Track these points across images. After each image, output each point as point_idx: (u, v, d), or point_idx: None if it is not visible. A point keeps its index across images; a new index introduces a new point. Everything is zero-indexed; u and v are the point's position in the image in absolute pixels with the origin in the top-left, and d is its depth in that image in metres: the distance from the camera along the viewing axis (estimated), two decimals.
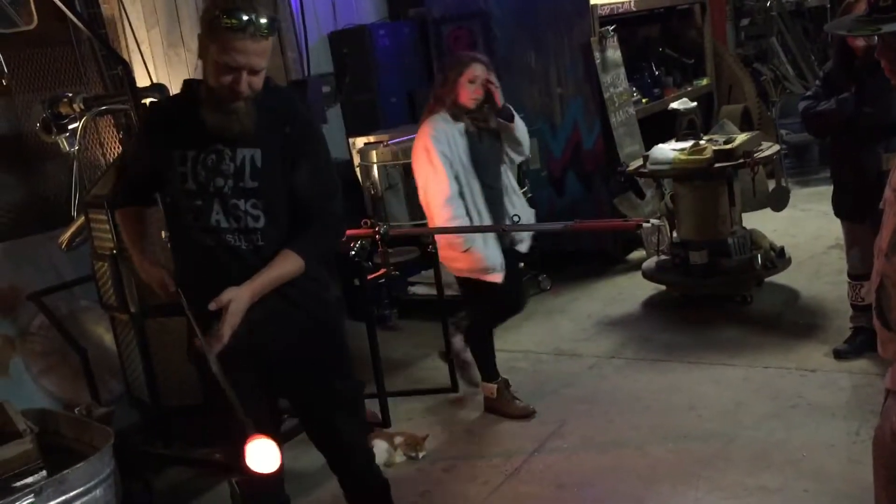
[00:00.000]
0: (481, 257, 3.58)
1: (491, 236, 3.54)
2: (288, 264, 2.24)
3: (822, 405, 3.64)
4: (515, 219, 3.67)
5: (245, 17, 2.05)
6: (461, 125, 3.64)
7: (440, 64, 6.25)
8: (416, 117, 6.28)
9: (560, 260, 5.78)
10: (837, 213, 3.99)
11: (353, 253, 3.19)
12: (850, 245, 3.98)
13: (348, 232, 3.42)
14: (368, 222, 3.61)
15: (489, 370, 3.94)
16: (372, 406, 3.74)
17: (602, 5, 5.91)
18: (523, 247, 3.85)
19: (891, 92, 3.75)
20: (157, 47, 4.91)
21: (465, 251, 3.58)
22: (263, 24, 2.09)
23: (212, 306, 2.12)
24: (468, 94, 3.60)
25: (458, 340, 4.08)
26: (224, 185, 2.23)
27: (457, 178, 3.57)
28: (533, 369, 4.50)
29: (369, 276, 3.35)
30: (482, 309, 3.86)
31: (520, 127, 3.75)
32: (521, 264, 4.43)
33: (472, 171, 3.62)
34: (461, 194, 3.57)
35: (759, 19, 8.41)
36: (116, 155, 4.12)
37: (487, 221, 3.59)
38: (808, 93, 4.02)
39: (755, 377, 4.00)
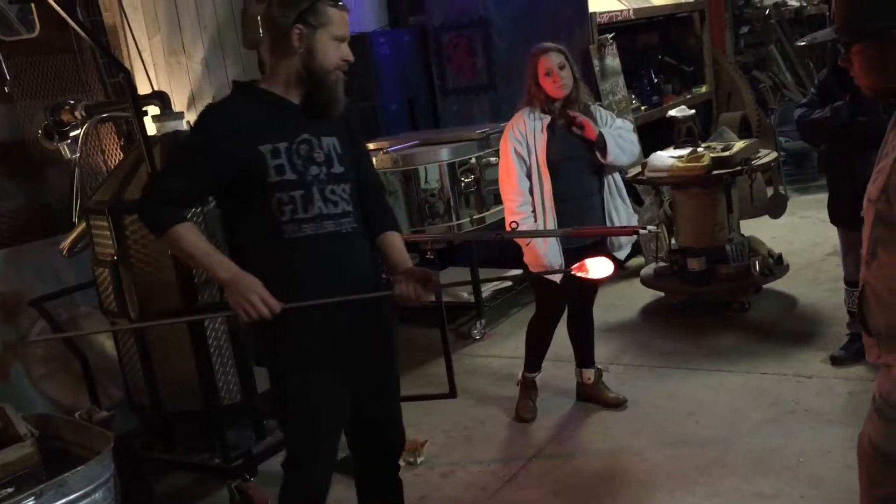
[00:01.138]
0: (539, 254, 3.63)
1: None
2: (403, 245, 2.52)
3: (819, 412, 3.66)
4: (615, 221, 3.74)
5: None
6: (547, 118, 3.66)
7: (440, 71, 6.30)
8: (417, 125, 6.36)
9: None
10: (833, 220, 4.01)
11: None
12: (845, 252, 4.00)
13: None
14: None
15: (530, 362, 4.05)
16: None
17: (601, 13, 5.95)
18: (621, 253, 3.85)
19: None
20: (158, 55, 4.94)
21: (526, 245, 3.67)
22: None
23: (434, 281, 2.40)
24: (550, 87, 3.61)
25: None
26: (319, 173, 2.34)
27: (528, 175, 3.64)
28: None
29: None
30: (541, 303, 3.94)
31: (614, 153, 3.64)
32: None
33: (546, 168, 3.63)
34: (531, 190, 3.65)
35: (758, 27, 8.46)
36: (119, 161, 4.14)
37: (552, 222, 3.63)
38: (804, 100, 4.05)
39: (753, 384, 4.01)
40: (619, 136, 3.69)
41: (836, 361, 4.07)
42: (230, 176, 2.30)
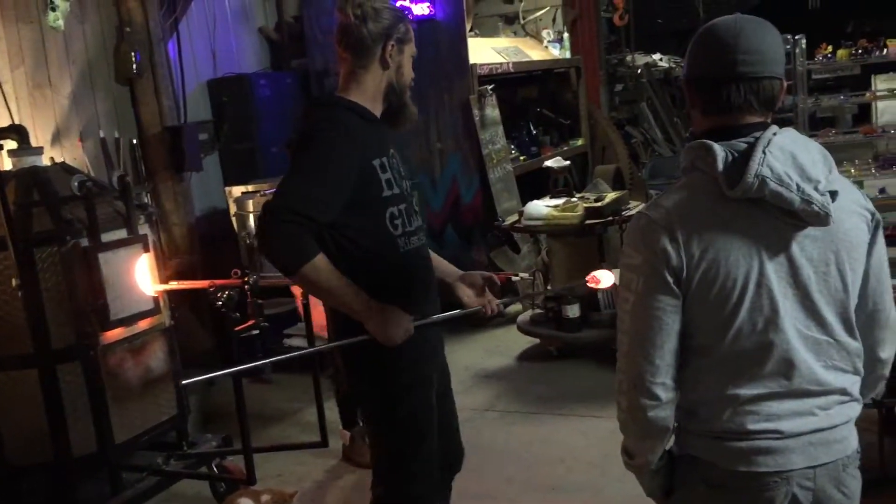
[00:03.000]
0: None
1: None
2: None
3: None
4: None
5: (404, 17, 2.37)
6: None
7: None
8: None
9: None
10: None
11: (220, 304, 3.11)
12: None
13: (216, 282, 3.33)
14: (238, 272, 3.53)
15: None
16: (237, 462, 3.62)
17: (481, 65, 6.09)
18: None
19: None
20: (21, 87, 4.71)
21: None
22: None
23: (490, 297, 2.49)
24: None
25: None
26: (406, 187, 2.38)
27: None
28: None
29: (237, 328, 3.26)
30: None
31: None
32: None
33: None
34: None
35: (631, 86, 8.86)
36: None
37: None
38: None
39: None
40: None
41: None
42: (352, 193, 2.18)
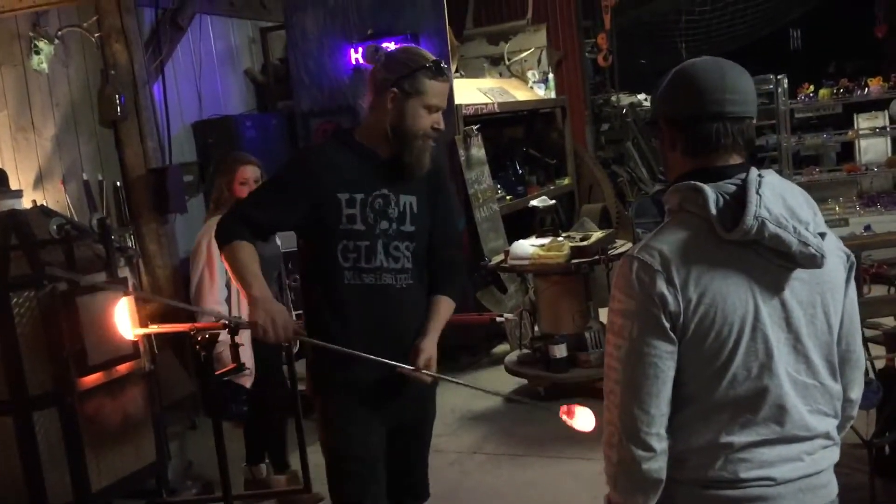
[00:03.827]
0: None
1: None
2: (448, 311, 2.54)
3: None
4: None
5: (444, 66, 2.42)
6: None
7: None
8: None
9: None
10: None
11: (199, 346, 3.05)
12: None
13: (197, 325, 3.28)
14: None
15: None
16: None
17: (466, 105, 6.12)
18: None
19: None
20: (3, 130, 4.70)
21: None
22: (447, 69, 2.46)
23: (421, 362, 2.39)
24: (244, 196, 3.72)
25: None
26: (388, 228, 2.43)
27: (228, 284, 3.71)
28: None
29: (217, 371, 3.20)
30: None
31: None
32: None
33: None
34: (228, 298, 3.73)
35: (616, 125, 8.91)
36: None
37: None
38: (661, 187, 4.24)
39: None
40: None
41: None
42: (308, 216, 2.41)
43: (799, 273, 1.58)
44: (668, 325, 1.54)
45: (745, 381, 1.56)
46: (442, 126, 2.46)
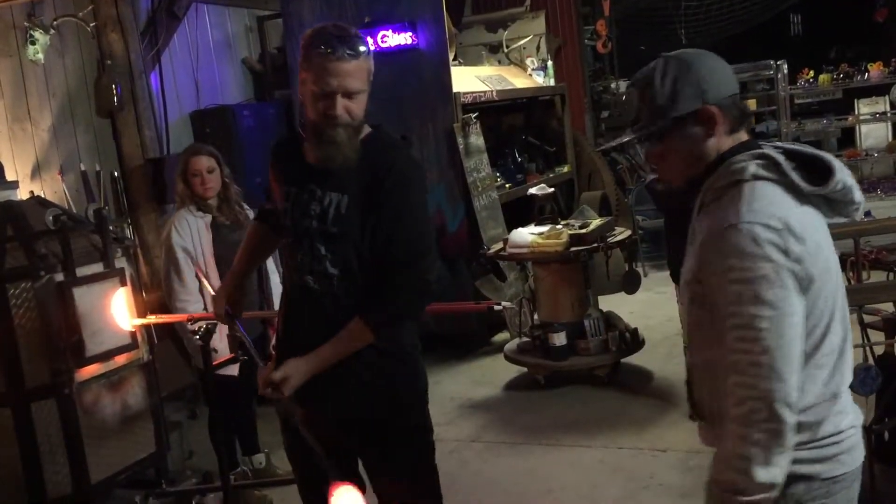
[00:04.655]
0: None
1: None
2: (355, 339, 2.18)
3: (672, 485, 3.71)
4: None
5: (334, 40, 2.09)
6: (208, 217, 3.75)
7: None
8: None
9: (424, 343, 5.74)
10: (673, 277, 4.15)
11: (198, 337, 3.05)
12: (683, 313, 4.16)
13: (194, 315, 3.28)
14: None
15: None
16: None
17: (465, 94, 6.09)
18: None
19: None
20: (0, 122, 4.68)
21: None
22: (351, 44, 2.11)
23: (267, 390, 2.17)
24: (198, 188, 3.72)
25: None
26: (310, 227, 2.23)
27: (196, 276, 3.67)
28: None
29: (215, 362, 3.20)
30: None
31: None
32: None
33: (214, 265, 3.70)
34: (200, 290, 3.67)
35: (616, 112, 8.88)
36: None
37: None
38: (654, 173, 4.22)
39: (610, 459, 4.04)
40: None
41: (694, 418, 4.19)
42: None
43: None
44: (798, 284, 1.55)
45: (839, 330, 1.63)
46: (332, 111, 2.10)
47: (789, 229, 1.55)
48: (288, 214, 2.27)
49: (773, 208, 1.57)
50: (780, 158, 1.61)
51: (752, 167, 1.61)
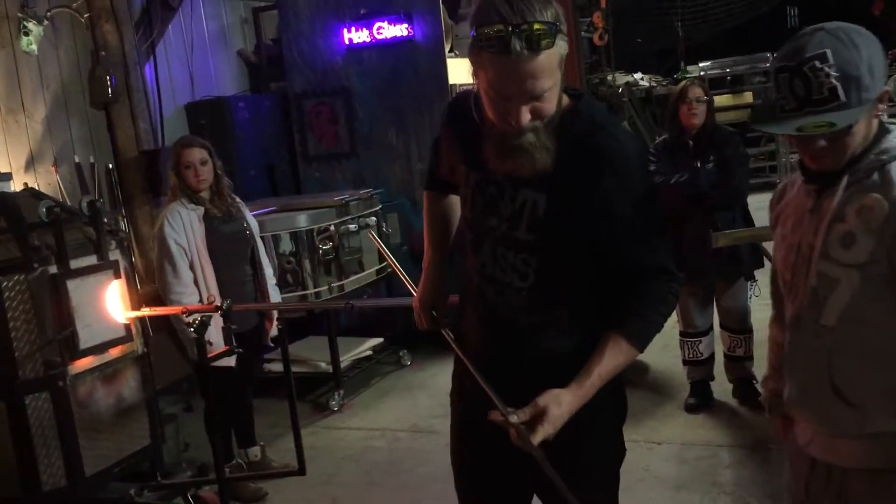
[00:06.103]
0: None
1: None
2: (621, 358, 1.74)
3: (667, 478, 3.71)
4: None
5: (507, 30, 1.53)
6: (201, 209, 3.73)
7: (301, 138, 6.21)
8: (277, 190, 6.24)
9: (423, 335, 5.74)
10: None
11: (193, 329, 3.04)
12: (683, 303, 4.17)
13: (189, 307, 3.27)
14: (211, 297, 3.49)
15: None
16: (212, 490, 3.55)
17: (461, 85, 6.07)
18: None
19: (729, 179, 4.02)
20: None
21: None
22: (531, 35, 1.54)
23: (520, 416, 1.64)
24: (192, 180, 3.69)
25: None
26: (497, 227, 1.79)
27: (191, 266, 3.66)
28: (389, 448, 4.40)
29: (210, 354, 3.19)
30: None
31: None
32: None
33: (207, 257, 3.69)
34: (195, 282, 3.66)
35: (613, 104, 8.88)
36: None
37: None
38: (653, 167, 4.20)
39: None
40: None
41: (691, 409, 4.35)
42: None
43: None
44: None
45: None
46: (522, 122, 1.63)
47: None
48: (468, 204, 1.84)
49: None
50: None
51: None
